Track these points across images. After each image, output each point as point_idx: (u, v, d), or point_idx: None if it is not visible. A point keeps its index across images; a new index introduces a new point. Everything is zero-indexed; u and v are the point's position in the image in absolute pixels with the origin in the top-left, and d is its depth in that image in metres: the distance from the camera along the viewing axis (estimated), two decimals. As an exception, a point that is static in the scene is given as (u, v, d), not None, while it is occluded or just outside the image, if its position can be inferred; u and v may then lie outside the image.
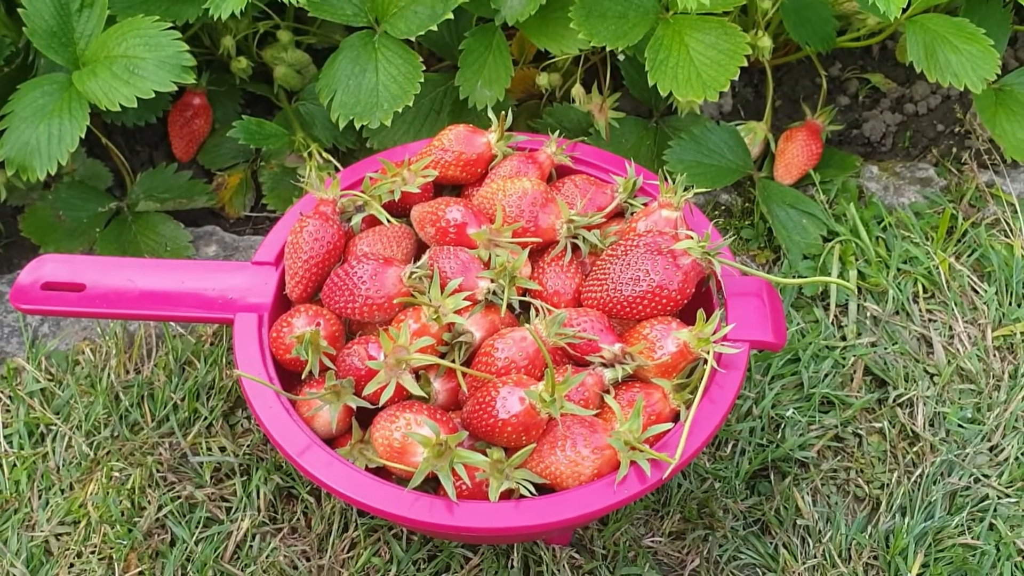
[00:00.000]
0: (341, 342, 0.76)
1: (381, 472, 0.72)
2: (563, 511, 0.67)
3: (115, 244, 1.03)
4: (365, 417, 0.74)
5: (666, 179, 0.81)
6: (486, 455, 0.68)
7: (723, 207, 1.07)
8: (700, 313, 0.72)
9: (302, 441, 0.70)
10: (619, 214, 0.84)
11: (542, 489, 0.69)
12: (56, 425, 0.90)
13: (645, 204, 0.83)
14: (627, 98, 1.13)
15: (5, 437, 0.89)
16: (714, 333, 0.72)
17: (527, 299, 0.77)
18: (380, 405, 0.71)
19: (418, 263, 0.75)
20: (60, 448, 0.89)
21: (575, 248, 0.79)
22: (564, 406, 0.67)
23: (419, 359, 0.70)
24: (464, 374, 0.72)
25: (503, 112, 0.85)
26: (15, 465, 0.88)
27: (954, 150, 1.13)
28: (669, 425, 0.70)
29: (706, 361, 0.72)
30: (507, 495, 0.69)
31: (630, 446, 0.68)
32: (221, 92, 1.14)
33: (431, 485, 0.70)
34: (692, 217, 0.82)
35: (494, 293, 0.75)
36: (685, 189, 0.80)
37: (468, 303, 0.74)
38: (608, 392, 0.72)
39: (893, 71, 1.21)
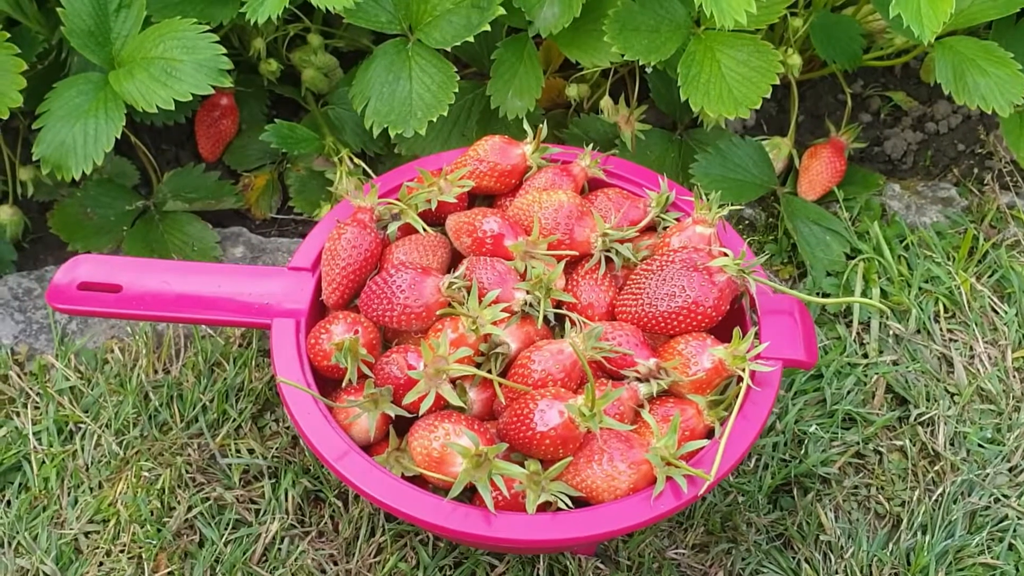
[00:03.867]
0: (378, 350, 0.77)
1: (416, 480, 0.72)
2: (600, 525, 0.68)
3: (142, 243, 1.03)
4: (400, 425, 0.75)
5: (700, 195, 0.82)
6: (523, 466, 0.69)
7: (747, 222, 1.08)
8: (736, 331, 0.73)
9: (340, 447, 0.71)
10: (651, 228, 0.85)
11: (577, 502, 0.70)
12: (85, 423, 0.90)
13: (677, 219, 0.84)
14: (652, 110, 1.13)
15: (35, 434, 0.90)
16: (748, 351, 0.73)
17: (562, 311, 0.77)
18: (418, 414, 0.72)
19: (456, 273, 0.76)
20: (89, 446, 0.89)
21: (609, 261, 0.80)
22: (603, 420, 0.68)
23: (458, 369, 0.71)
24: (501, 385, 0.73)
25: (539, 124, 0.86)
26: (44, 462, 0.89)
27: (975, 170, 1.14)
28: (704, 442, 0.71)
29: (740, 379, 0.73)
30: (543, 507, 0.69)
31: (666, 462, 0.69)
32: (248, 93, 1.14)
33: (466, 495, 0.71)
34: (725, 234, 0.83)
35: (530, 305, 0.76)
36: (719, 206, 0.81)
37: (505, 314, 0.74)
38: (643, 407, 0.73)
39: (915, 89, 1.22)
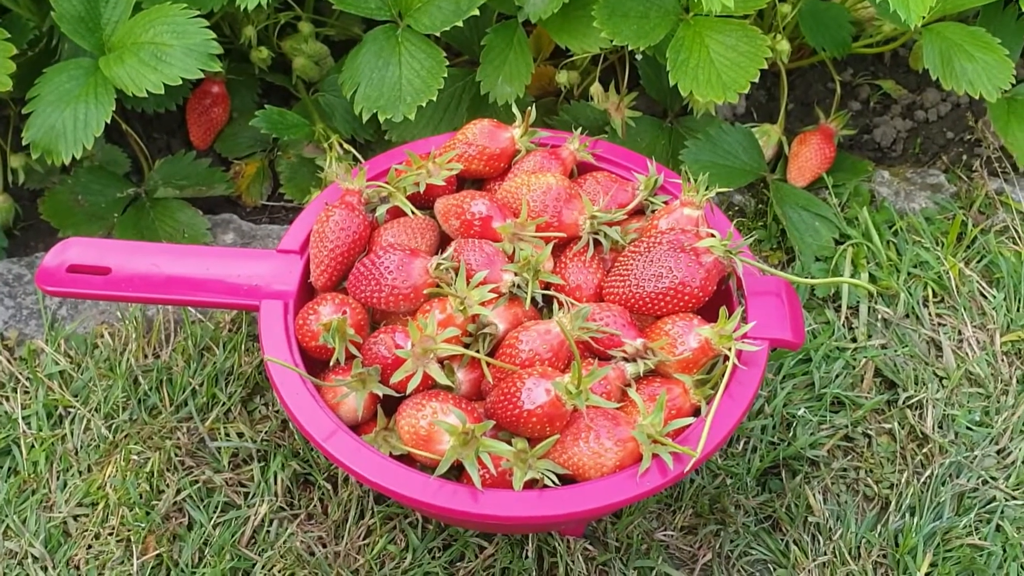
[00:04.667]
0: (366, 331, 0.77)
1: (405, 460, 0.72)
2: (586, 501, 0.68)
3: (133, 230, 1.03)
4: (388, 405, 0.75)
5: (688, 178, 0.82)
6: (510, 445, 0.69)
7: (736, 208, 1.09)
8: (722, 310, 0.73)
9: (328, 427, 0.71)
10: (639, 211, 0.85)
11: (564, 480, 0.70)
12: (75, 407, 0.91)
13: (665, 202, 0.84)
14: (643, 97, 1.14)
15: (24, 418, 0.90)
16: (735, 331, 0.73)
17: (550, 292, 0.78)
18: (405, 393, 0.72)
19: (444, 255, 0.76)
20: (79, 430, 0.89)
21: (597, 244, 0.80)
22: (589, 398, 0.68)
23: (446, 349, 0.71)
24: (489, 365, 0.73)
25: (528, 108, 0.86)
26: (34, 446, 0.89)
27: (964, 157, 1.15)
28: (690, 420, 0.71)
29: (727, 358, 0.73)
30: (530, 485, 0.69)
31: (652, 439, 0.69)
32: (239, 81, 1.14)
33: (453, 474, 0.71)
34: (713, 216, 0.83)
35: (518, 286, 0.76)
36: (707, 188, 0.81)
37: (493, 295, 0.75)
38: (629, 386, 0.73)
39: (904, 77, 1.23)
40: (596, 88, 1.09)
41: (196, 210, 1.05)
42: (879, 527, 0.86)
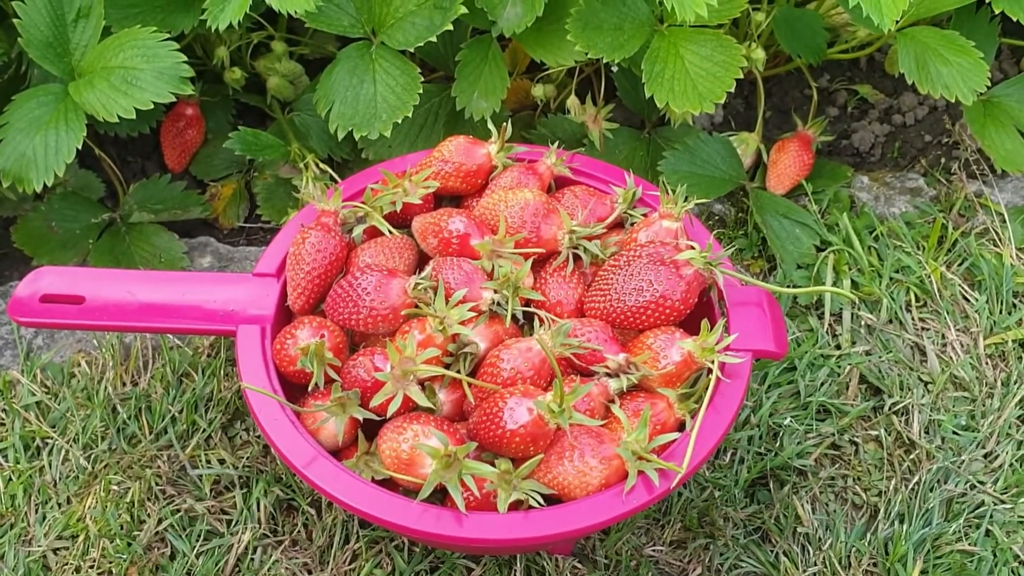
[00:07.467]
0: (345, 354, 0.76)
1: (387, 484, 0.71)
2: (572, 521, 0.67)
3: (109, 255, 1.02)
4: (369, 428, 0.74)
5: (666, 190, 0.81)
6: (493, 466, 0.68)
7: (716, 217, 1.08)
8: (704, 323, 0.73)
9: (308, 453, 0.70)
10: (618, 225, 0.85)
11: (549, 499, 0.69)
12: (52, 438, 0.89)
13: (644, 215, 0.83)
14: (620, 109, 1.13)
15: (0, 451, 0.89)
16: (717, 343, 0.72)
17: (530, 309, 0.77)
18: (386, 417, 0.71)
19: (422, 274, 0.76)
20: (57, 462, 0.88)
21: (576, 258, 0.80)
22: (573, 416, 0.67)
23: (426, 370, 0.70)
24: (470, 385, 0.72)
25: (504, 123, 0.86)
26: (11, 479, 0.87)
27: (942, 160, 1.15)
28: (675, 435, 0.71)
29: (710, 371, 0.72)
30: (515, 506, 0.69)
31: (638, 456, 0.68)
32: (214, 103, 1.13)
33: (437, 497, 0.70)
34: (692, 227, 0.83)
35: (498, 304, 0.75)
36: (685, 200, 0.81)
37: (473, 314, 0.74)
38: (613, 402, 0.73)
39: (881, 82, 1.23)
40: (573, 101, 1.08)
41: (172, 234, 1.04)
42: (869, 535, 0.86)
